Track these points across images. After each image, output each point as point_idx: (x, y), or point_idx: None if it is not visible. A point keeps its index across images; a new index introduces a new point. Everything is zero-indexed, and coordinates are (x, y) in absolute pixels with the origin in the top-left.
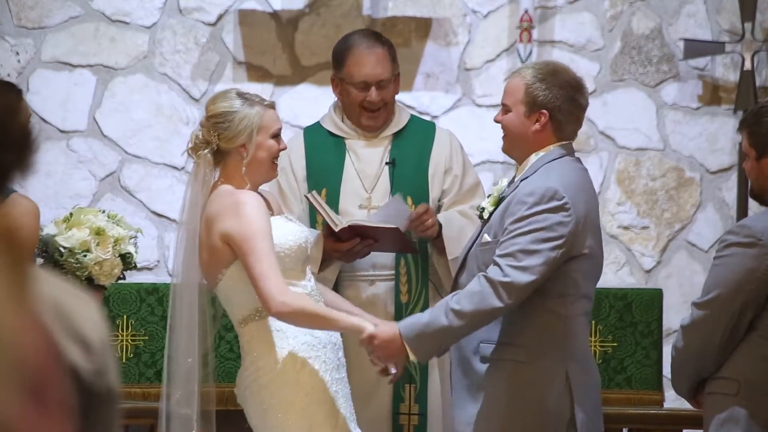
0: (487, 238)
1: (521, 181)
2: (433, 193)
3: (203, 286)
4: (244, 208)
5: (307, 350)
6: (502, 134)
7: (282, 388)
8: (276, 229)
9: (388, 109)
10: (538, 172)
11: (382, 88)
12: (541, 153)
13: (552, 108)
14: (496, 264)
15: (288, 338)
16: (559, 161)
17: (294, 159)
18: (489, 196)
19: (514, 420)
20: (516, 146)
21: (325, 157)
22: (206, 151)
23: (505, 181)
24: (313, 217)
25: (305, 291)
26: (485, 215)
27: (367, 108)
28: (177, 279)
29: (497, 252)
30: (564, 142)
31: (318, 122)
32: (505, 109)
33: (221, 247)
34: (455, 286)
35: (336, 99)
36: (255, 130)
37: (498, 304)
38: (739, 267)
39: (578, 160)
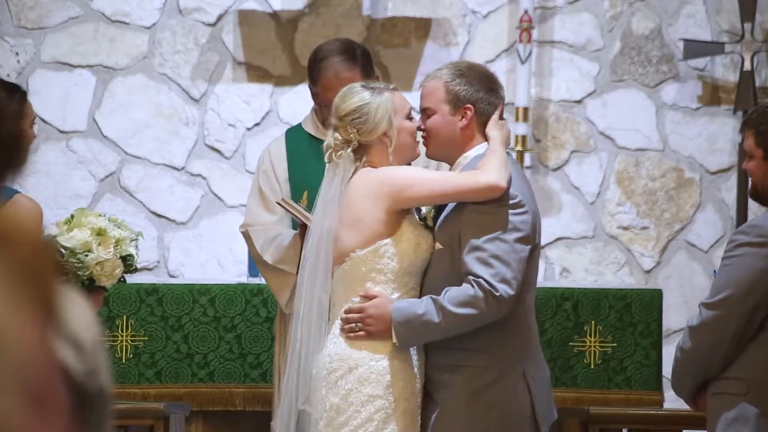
0: (438, 245)
1: None
2: None
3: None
4: (394, 170)
5: (401, 360)
6: (425, 140)
7: (371, 383)
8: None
9: None
10: None
11: None
12: (472, 153)
13: (476, 100)
14: (480, 276)
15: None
16: None
17: (276, 161)
18: None
19: (475, 424)
20: (444, 148)
21: (306, 159)
22: (348, 150)
23: None
24: (294, 220)
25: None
26: (429, 222)
27: None
28: (304, 276)
29: (473, 261)
30: None
31: (300, 124)
32: (429, 113)
33: (377, 219)
34: (424, 281)
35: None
36: (392, 115)
37: (492, 315)
38: (751, 267)
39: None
